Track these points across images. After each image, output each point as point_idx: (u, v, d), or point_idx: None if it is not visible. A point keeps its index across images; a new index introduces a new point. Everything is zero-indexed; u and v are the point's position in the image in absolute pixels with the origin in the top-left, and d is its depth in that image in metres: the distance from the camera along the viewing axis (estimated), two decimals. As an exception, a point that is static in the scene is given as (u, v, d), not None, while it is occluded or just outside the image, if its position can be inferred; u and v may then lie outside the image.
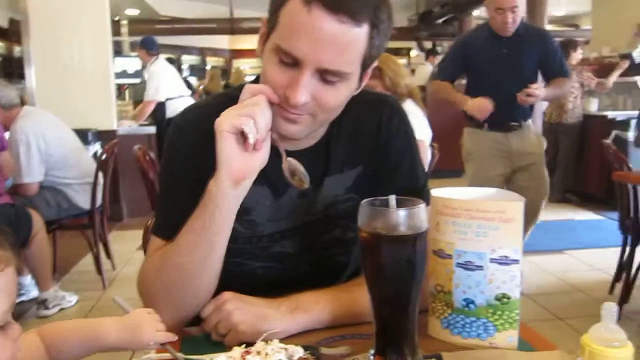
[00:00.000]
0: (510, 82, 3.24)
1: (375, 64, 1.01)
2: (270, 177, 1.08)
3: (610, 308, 0.58)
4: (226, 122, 0.91)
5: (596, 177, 5.92)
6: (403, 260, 0.80)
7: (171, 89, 5.99)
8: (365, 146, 1.13)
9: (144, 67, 6.46)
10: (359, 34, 0.90)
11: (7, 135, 3.38)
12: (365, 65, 0.97)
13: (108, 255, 3.94)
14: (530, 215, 3.29)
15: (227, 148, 0.92)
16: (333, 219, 1.12)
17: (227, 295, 0.98)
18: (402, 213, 0.80)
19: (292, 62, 0.92)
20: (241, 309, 0.95)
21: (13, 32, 9.17)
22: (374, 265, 0.83)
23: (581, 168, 6.22)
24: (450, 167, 4.84)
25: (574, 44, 6.03)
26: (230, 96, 1.08)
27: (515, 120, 3.36)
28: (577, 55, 5.95)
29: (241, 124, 0.90)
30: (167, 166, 1.11)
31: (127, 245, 4.26)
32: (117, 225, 5.13)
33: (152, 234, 1.10)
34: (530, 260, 4.04)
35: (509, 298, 0.92)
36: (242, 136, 0.91)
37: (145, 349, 0.92)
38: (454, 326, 0.96)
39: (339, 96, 0.97)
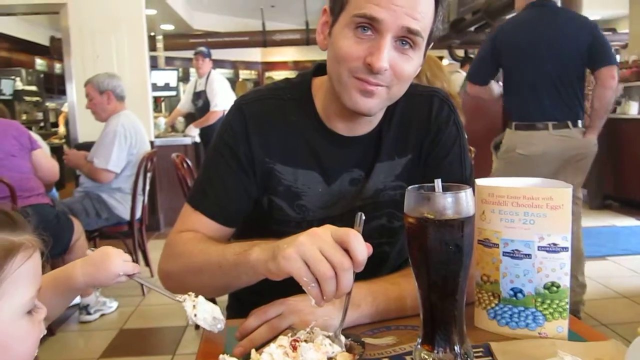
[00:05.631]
0: None
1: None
2: (322, 163, 1.11)
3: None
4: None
5: (637, 182, 5.76)
6: (451, 245, 0.80)
7: (227, 99, 6.06)
8: (416, 135, 1.15)
9: (182, 76, 6.45)
10: (431, 3, 0.96)
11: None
12: (429, 41, 1.01)
13: (147, 263, 4.01)
14: None
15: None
16: (381, 206, 1.14)
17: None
18: (449, 197, 0.79)
19: (371, 31, 0.95)
20: (293, 305, 0.93)
21: (54, 50, 9.50)
22: (421, 252, 0.82)
23: (621, 173, 6.07)
24: (485, 174, 4.80)
25: None
26: (292, 83, 1.16)
27: None
28: None
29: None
30: (217, 141, 1.14)
31: (164, 253, 4.32)
32: (155, 234, 5.22)
33: (187, 202, 1.14)
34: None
35: (558, 287, 0.91)
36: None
37: (114, 283, 0.90)
38: (501, 317, 0.95)
39: (411, 65, 1.01)
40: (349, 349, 0.82)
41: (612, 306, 3.36)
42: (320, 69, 1.15)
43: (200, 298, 0.88)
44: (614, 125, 6.19)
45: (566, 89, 3.03)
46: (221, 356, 0.78)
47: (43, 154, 3.30)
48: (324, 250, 0.77)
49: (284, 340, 0.82)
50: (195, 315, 0.86)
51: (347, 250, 0.77)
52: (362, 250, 0.77)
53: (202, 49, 6.05)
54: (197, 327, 3.05)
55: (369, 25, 0.95)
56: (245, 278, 0.93)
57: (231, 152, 1.10)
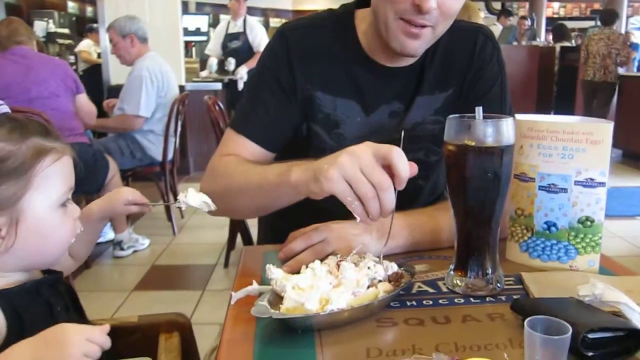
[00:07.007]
0: None
1: None
2: (362, 93, 1.12)
3: None
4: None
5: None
6: (489, 173, 0.81)
7: None
8: (458, 70, 1.15)
9: (212, 22, 6.37)
10: None
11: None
12: None
13: (177, 204, 4.10)
14: None
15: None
16: (419, 140, 1.14)
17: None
18: (490, 125, 0.80)
19: None
20: (336, 231, 0.96)
21: (86, -8, 9.51)
22: (460, 179, 0.84)
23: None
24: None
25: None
26: (335, 14, 1.16)
27: None
28: None
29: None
30: (260, 67, 1.16)
31: (194, 196, 4.41)
32: (185, 178, 5.31)
33: (229, 126, 1.17)
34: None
35: (592, 221, 0.92)
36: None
37: (125, 210, 1.00)
38: (533, 249, 0.97)
39: (458, 2, 1.00)
40: (399, 277, 0.84)
41: (640, 263, 3.36)
42: (363, 0, 1.14)
43: (190, 189, 0.95)
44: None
45: None
46: (268, 265, 0.82)
47: (86, 99, 3.41)
48: (364, 170, 0.78)
49: (331, 260, 0.86)
50: (185, 196, 0.94)
51: (389, 167, 0.79)
52: (405, 167, 0.78)
53: None
54: (226, 265, 3.12)
55: None
56: (286, 198, 0.96)
57: (273, 77, 1.12)
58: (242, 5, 5.96)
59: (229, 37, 6.05)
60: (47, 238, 0.81)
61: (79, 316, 0.89)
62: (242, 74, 5.74)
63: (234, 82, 5.84)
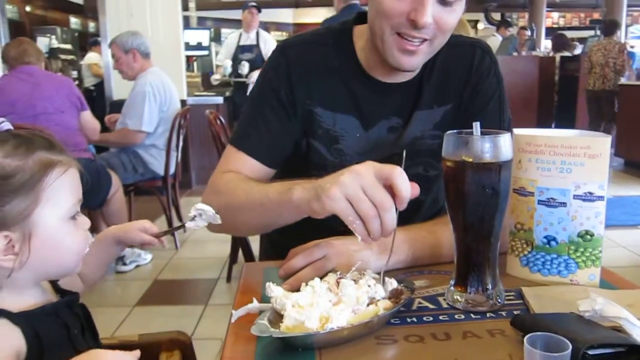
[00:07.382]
0: None
1: None
2: (361, 108, 1.13)
3: None
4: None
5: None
6: (488, 188, 0.81)
7: None
8: (457, 85, 1.16)
9: (213, 36, 6.43)
10: None
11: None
12: None
13: (180, 218, 4.10)
14: None
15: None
16: (418, 155, 1.15)
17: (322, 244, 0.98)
18: (487, 140, 0.80)
19: None
20: (337, 248, 0.97)
21: (88, 8, 9.58)
22: (458, 195, 0.84)
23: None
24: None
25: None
26: (334, 30, 1.17)
27: None
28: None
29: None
30: (260, 82, 1.17)
31: (196, 210, 4.40)
32: (187, 192, 5.32)
33: (229, 142, 1.17)
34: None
35: (592, 235, 0.92)
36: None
37: (139, 238, 1.03)
38: (533, 264, 0.96)
39: (455, 17, 1.00)
40: (399, 293, 0.84)
41: (643, 274, 3.34)
42: (361, 17, 1.15)
43: (200, 203, 0.97)
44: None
45: None
46: (268, 283, 0.82)
47: (90, 116, 3.46)
48: (366, 190, 0.79)
49: (331, 277, 0.86)
50: (196, 207, 0.96)
51: (391, 187, 0.79)
52: (406, 187, 0.79)
53: (254, 3, 6.08)
54: (228, 279, 3.11)
55: None
56: (288, 216, 0.96)
57: (274, 92, 1.13)
58: (255, 18, 6.07)
59: (241, 48, 6.13)
60: (60, 250, 0.81)
61: (93, 338, 0.89)
62: (255, 79, 5.77)
63: (238, 90, 5.90)
